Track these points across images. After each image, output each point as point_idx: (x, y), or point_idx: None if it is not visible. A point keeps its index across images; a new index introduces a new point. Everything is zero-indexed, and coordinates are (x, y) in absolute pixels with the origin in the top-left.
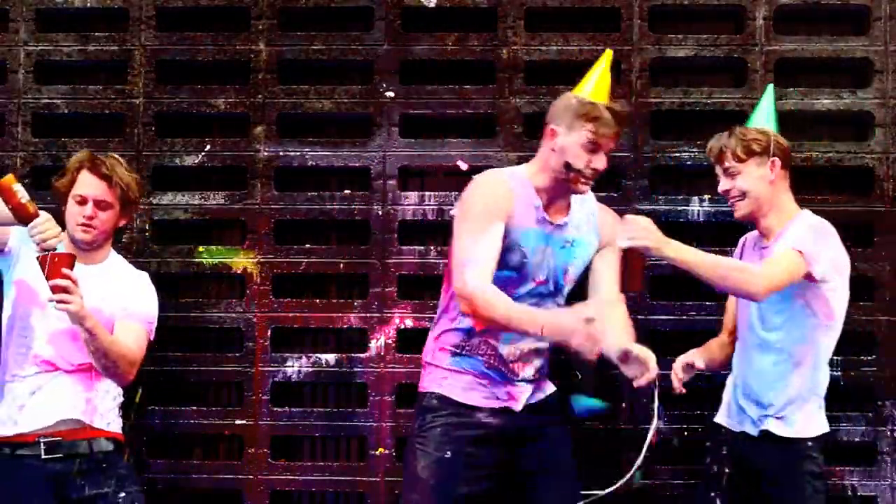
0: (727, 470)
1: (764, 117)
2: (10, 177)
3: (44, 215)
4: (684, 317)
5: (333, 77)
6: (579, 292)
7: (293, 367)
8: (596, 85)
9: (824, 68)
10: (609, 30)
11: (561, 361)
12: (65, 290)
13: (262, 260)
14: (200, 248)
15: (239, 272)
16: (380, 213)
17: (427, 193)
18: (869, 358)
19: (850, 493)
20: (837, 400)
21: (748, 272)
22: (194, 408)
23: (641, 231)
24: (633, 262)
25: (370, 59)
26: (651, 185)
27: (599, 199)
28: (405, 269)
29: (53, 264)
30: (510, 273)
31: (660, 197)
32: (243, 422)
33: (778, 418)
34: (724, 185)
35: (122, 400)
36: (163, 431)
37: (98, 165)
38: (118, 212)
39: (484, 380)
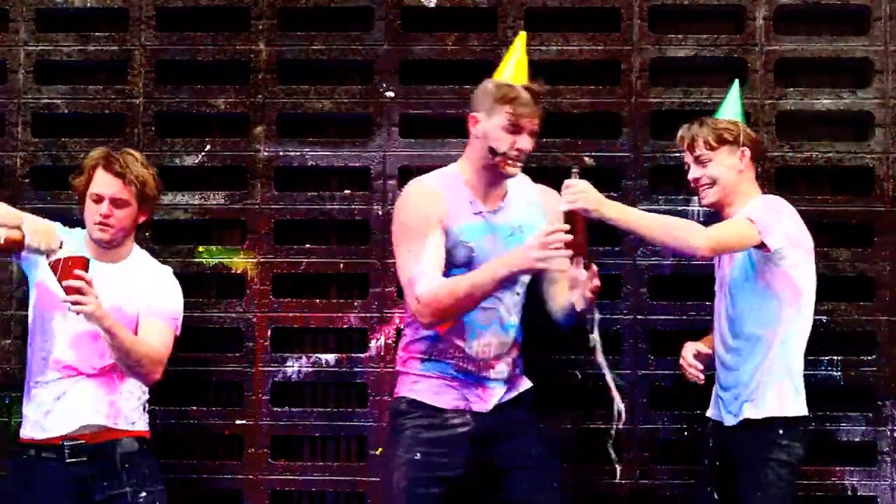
0: (717, 462)
1: (731, 112)
2: None
3: (27, 228)
4: (684, 317)
5: (333, 77)
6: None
7: (293, 367)
8: (514, 69)
9: (824, 68)
10: (609, 30)
11: (555, 362)
12: (78, 290)
13: (262, 260)
14: (200, 248)
15: (239, 272)
16: (380, 213)
17: None
18: (869, 358)
19: (850, 493)
20: (837, 400)
21: (691, 227)
22: (194, 408)
23: (579, 194)
24: (576, 226)
25: (370, 59)
26: (651, 185)
27: None
28: None
29: (67, 267)
30: (459, 270)
31: (660, 197)
32: (243, 422)
33: (751, 401)
34: (694, 172)
35: (148, 398)
36: (163, 431)
37: (112, 163)
38: (136, 209)
39: (454, 382)
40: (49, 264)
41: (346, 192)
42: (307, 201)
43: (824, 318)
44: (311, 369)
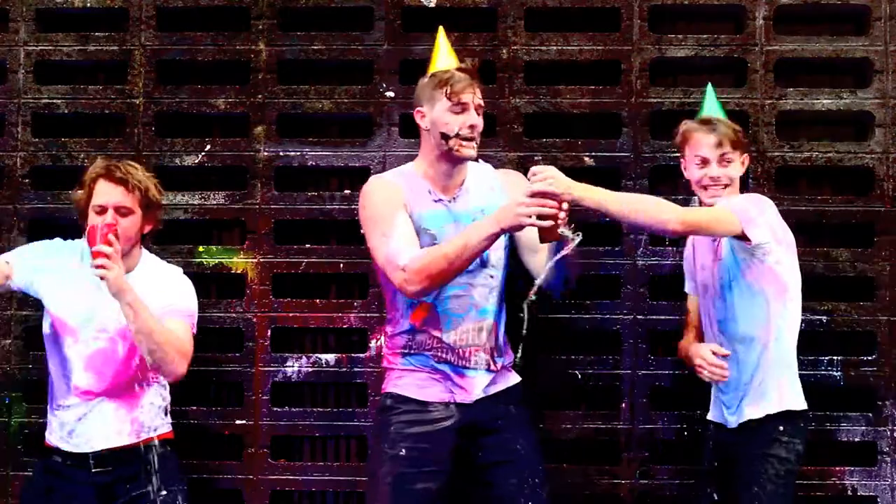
0: (716, 463)
1: (717, 113)
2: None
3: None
4: (684, 317)
5: (333, 77)
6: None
7: (293, 367)
8: (445, 58)
9: (824, 68)
10: (609, 30)
11: (555, 362)
12: (106, 256)
13: (262, 260)
14: (200, 248)
15: (239, 272)
16: None
17: None
18: (869, 358)
19: (850, 493)
20: (837, 400)
21: (662, 203)
22: (194, 408)
23: (548, 178)
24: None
25: (370, 59)
26: (651, 185)
27: None
28: None
29: (102, 234)
30: None
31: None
32: (243, 422)
33: (752, 401)
34: (714, 171)
35: (169, 399)
36: None
37: (113, 171)
38: (140, 217)
39: (437, 374)
40: (86, 232)
41: (346, 192)
42: (307, 201)
43: (824, 318)
44: (311, 369)
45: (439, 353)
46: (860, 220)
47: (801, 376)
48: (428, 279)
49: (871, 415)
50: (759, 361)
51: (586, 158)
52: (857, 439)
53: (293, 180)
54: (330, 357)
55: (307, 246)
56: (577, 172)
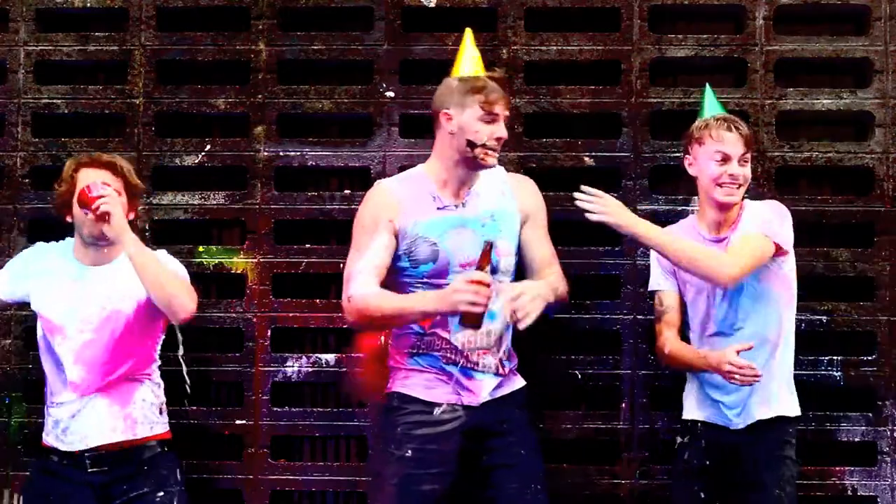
0: (707, 462)
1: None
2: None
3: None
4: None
5: (333, 77)
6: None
7: (293, 367)
8: (472, 64)
9: (824, 68)
10: (609, 30)
11: (555, 362)
12: (105, 196)
13: (262, 260)
14: (200, 248)
15: (239, 272)
16: None
17: None
18: (869, 358)
19: (850, 493)
20: (837, 400)
21: (718, 258)
22: (194, 408)
23: (614, 208)
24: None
25: (370, 59)
26: (651, 185)
27: None
28: None
29: (96, 185)
30: (427, 266)
31: (660, 197)
32: (243, 422)
33: (762, 402)
34: (735, 169)
35: (164, 399)
36: None
37: (97, 157)
38: (126, 202)
39: (444, 375)
40: (78, 202)
41: (346, 192)
42: (307, 201)
43: (824, 318)
44: (311, 369)
45: (448, 355)
46: (860, 220)
47: (801, 376)
48: (363, 320)
49: (871, 415)
50: (769, 364)
51: (586, 158)
52: (857, 439)
53: (293, 180)
54: (330, 357)
55: (307, 246)
56: (576, 172)
